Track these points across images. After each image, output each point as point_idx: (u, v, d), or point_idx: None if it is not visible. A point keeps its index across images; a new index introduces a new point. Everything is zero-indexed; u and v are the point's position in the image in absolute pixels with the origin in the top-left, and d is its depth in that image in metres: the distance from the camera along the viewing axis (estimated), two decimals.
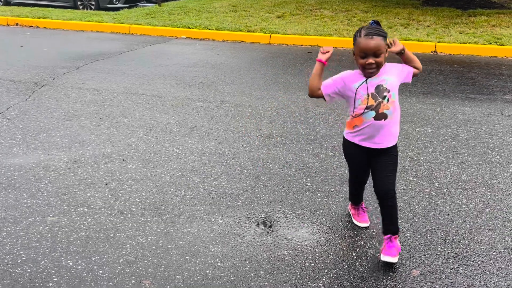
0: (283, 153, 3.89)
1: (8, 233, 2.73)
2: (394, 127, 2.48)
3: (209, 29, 9.03)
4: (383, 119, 2.41)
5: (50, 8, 11.05)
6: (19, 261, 2.49)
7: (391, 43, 2.44)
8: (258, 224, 2.88)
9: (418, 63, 2.53)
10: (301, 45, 8.44)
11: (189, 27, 9.14)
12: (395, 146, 2.53)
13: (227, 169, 3.59)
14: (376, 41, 2.30)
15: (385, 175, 2.49)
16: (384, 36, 2.35)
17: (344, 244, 2.69)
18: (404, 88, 5.39)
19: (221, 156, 3.82)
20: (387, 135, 2.46)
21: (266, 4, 12.02)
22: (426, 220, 2.92)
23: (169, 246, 2.65)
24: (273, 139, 4.17)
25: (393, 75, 2.43)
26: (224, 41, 8.77)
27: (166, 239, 2.72)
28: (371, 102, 2.39)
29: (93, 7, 11.42)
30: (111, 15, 10.21)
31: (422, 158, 3.80)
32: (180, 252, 2.60)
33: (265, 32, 8.74)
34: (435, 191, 3.28)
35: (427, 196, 3.21)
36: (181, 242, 2.69)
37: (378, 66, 2.35)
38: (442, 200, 3.16)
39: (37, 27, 9.68)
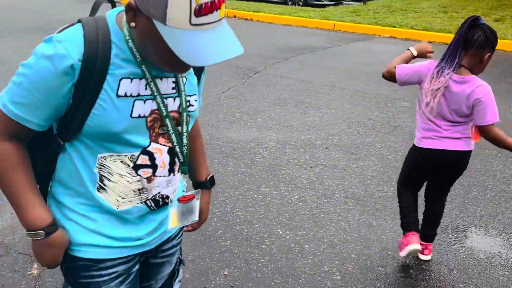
0: (499, 167, 3.55)
1: (229, 195, 3.12)
2: None
3: (416, 29, 8.68)
4: None
5: (264, 3, 12.04)
6: (237, 220, 2.84)
7: None
8: (466, 237, 2.71)
9: None
10: None
11: (394, 26, 8.94)
12: None
13: None
14: None
15: None
16: None
17: None
18: None
19: None
20: None
21: (481, 6, 10.98)
22: None
23: (371, 237, 2.69)
24: (487, 150, 3.83)
25: None
26: (430, 42, 8.33)
27: (369, 230, 2.77)
28: None
29: (301, 3, 12.06)
30: (317, 11, 10.62)
31: None
32: (382, 246, 2.62)
33: None
34: None
35: None
36: (383, 236, 2.71)
37: None
38: None
39: (251, 19, 10.66)
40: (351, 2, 12.87)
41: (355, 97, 5.17)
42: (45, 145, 1.13)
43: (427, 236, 2.48)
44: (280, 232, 2.73)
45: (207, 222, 2.70)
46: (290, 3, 12.25)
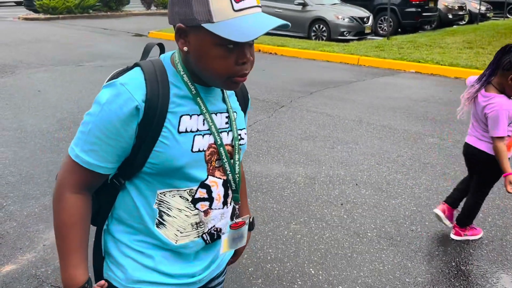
0: None
1: (259, 231, 3.09)
2: None
3: (441, 65, 8.66)
4: None
5: (288, 38, 12.23)
6: (268, 258, 2.79)
7: None
8: (506, 281, 2.60)
9: None
10: None
11: (419, 62, 8.94)
12: None
13: None
14: None
15: None
16: None
17: None
18: None
19: None
20: None
21: (508, 42, 10.92)
22: None
23: (407, 280, 2.61)
24: None
25: None
26: (456, 78, 8.28)
27: (404, 271, 2.68)
28: None
29: (324, 38, 12.21)
30: (341, 46, 10.73)
31: None
32: None
33: None
34: None
35: None
36: (419, 279, 2.62)
37: None
38: None
39: (275, 54, 10.83)
40: (374, 37, 12.97)
41: (382, 133, 5.13)
42: (103, 187, 1.17)
43: (457, 217, 3.04)
44: (313, 272, 2.66)
45: (238, 259, 2.66)
46: (313, 37, 12.41)
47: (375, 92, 7.07)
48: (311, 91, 7.07)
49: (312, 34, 12.47)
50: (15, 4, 24.89)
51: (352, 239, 3.01)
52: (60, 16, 17.38)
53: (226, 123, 1.18)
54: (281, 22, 1.01)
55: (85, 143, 1.06)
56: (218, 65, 1.02)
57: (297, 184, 3.82)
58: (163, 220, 1.14)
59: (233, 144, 1.19)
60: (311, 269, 2.69)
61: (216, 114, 1.16)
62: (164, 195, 1.13)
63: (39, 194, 3.49)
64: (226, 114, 1.18)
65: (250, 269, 2.66)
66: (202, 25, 0.99)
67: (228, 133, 1.18)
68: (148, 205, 1.14)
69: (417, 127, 5.35)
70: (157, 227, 1.14)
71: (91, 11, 18.94)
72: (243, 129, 1.24)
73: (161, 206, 1.13)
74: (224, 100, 1.20)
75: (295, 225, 3.17)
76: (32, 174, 3.83)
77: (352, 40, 11.99)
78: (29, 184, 3.65)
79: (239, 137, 1.21)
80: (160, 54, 1.20)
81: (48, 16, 17.21)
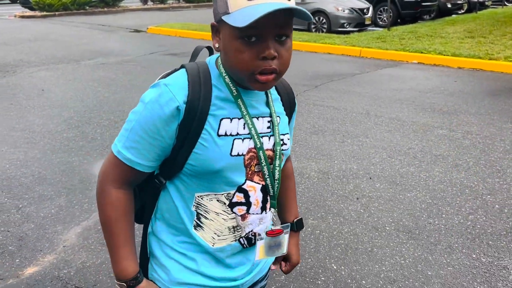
0: None
1: None
2: None
3: (444, 55, 8.65)
4: None
5: None
6: None
7: None
8: None
9: None
10: None
11: (421, 52, 8.92)
12: None
13: (483, 205, 3.36)
14: None
15: None
16: None
17: None
18: None
19: (474, 190, 3.60)
20: None
21: (509, 31, 10.93)
22: None
23: (429, 273, 2.61)
24: None
25: None
26: (460, 68, 8.28)
27: (425, 265, 2.69)
28: None
29: (324, 30, 12.17)
30: (342, 38, 10.69)
31: None
32: (441, 282, 2.54)
33: (510, 61, 7.93)
34: None
35: None
36: (442, 272, 2.63)
37: None
38: None
39: None
40: (375, 28, 12.93)
41: (391, 125, 5.13)
42: (146, 184, 1.18)
43: None
44: (335, 267, 2.67)
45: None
46: (314, 30, 12.37)
47: (380, 84, 7.06)
48: (316, 84, 7.06)
49: (312, 26, 12.42)
50: (10, 1, 24.69)
51: (371, 234, 3.01)
52: (57, 13, 17.26)
53: (268, 127, 1.16)
54: (292, 5, 0.95)
55: (127, 140, 1.07)
56: (238, 59, 1.00)
57: (311, 179, 3.82)
58: (201, 222, 1.14)
59: (274, 149, 1.17)
60: (332, 265, 2.69)
61: (257, 118, 1.14)
62: (201, 198, 1.13)
63: (53, 195, 3.48)
64: (269, 119, 1.16)
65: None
66: (222, 17, 1.00)
67: (269, 138, 1.16)
68: (186, 207, 1.14)
69: (426, 118, 5.34)
70: (195, 229, 1.15)
71: (87, 7, 18.82)
72: (286, 134, 1.21)
73: (198, 209, 1.13)
74: (267, 104, 1.18)
75: (313, 221, 3.17)
76: (44, 175, 3.81)
77: (353, 31, 11.95)
78: (43, 185, 3.63)
79: (281, 142, 1.18)
80: (209, 55, 1.19)
81: (44, 13, 17.09)
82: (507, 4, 19.97)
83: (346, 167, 4.05)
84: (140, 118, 1.06)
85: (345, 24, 12.08)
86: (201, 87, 1.07)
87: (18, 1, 20.08)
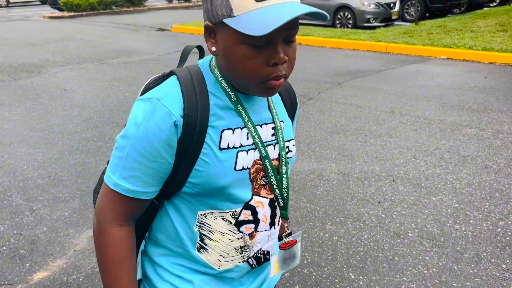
0: None
1: (293, 233, 2.95)
2: None
3: (474, 50, 8.29)
4: None
5: (312, 27, 11.97)
6: (305, 262, 2.67)
7: None
8: None
9: None
10: None
11: (450, 47, 8.59)
12: None
13: None
14: None
15: None
16: None
17: None
18: None
19: (505, 193, 3.38)
20: None
21: None
22: None
23: (454, 284, 2.44)
24: None
25: None
26: (491, 63, 7.92)
27: (450, 275, 2.52)
28: None
29: (350, 25, 11.90)
30: (367, 33, 10.42)
31: None
32: None
33: None
34: None
35: None
36: (468, 283, 2.45)
37: None
38: None
39: (300, 43, 10.60)
40: (402, 23, 12.57)
41: (417, 124, 4.91)
42: None
43: None
44: (352, 277, 2.53)
45: None
46: (339, 25, 12.11)
47: (406, 80, 6.81)
48: (339, 81, 6.87)
49: (337, 22, 12.18)
50: (40, 3, 25.28)
51: (392, 240, 2.85)
52: (84, 13, 17.54)
53: (273, 134, 1.05)
54: (310, 9, 0.85)
55: (124, 169, 0.95)
56: (246, 67, 0.89)
57: (330, 181, 3.68)
58: (205, 244, 1.04)
59: (279, 157, 1.06)
60: (350, 274, 2.55)
61: (261, 125, 1.03)
62: (205, 217, 1.02)
63: (68, 197, 3.46)
64: (272, 125, 1.05)
65: (285, 275, 2.54)
66: (224, 20, 0.88)
67: (274, 146, 1.05)
68: (188, 228, 1.04)
69: (453, 117, 5.10)
70: (198, 251, 1.05)
71: (113, 7, 19.06)
72: (291, 140, 1.10)
73: (202, 229, 1.03)
74: (269, 108, 1.07)
75: (331, 226, 3.03)
76: (60, 176, 3.80)
77: (379, 26, 11.64)
78: (58, 187, 3.61)
79: (286, 149, 1.08)
80: (199, 58, 1.08)
81: (72, 14, 17.39)
82: None
83: (368, 169, 3.88)
84: (134, 142, 0.94)
85: (371, 19, 11.78)
86: (197, 96, 0.96)
87: (47, 2, 20.52)
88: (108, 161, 1.06)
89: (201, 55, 1.10)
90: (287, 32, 0.89)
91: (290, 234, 1.29)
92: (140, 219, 1.08)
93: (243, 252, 1.06)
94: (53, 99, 6.11)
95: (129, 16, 17.39)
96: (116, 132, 4.79)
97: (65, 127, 4.98)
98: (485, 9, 14.80)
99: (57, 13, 18.06)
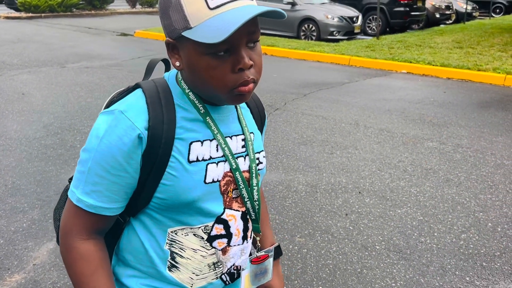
0: None
1: None
2: None
3: (433, 65, 8.61)
4: None
5: (277, 37, 12.09)
6: None
7: None
8: None
9: None
10: None
11: (411, 62, 8.88)
12: None
13: (475, 223, 3.25)
14: None
15: None
16: None
17: None
18: None
19: (466, 206, 3.49)
20: None
21: (497, 42, 10.98)
22: None
23: None
24: None
25: None
26: (449, 78, 8.25)
27: None
28: None
29: (314, 37, 12.09)
30: (331, 46, 10.62)
31: None
32: None
33: (499, 72, 7.92)
34: None
35: None
36: None
37: None
38: None
39: (265, 54, 10.68)
40: (364, 37, 12.91)
41: (381, 136, 5.03)
42: None
43: None
44: None
45: None
46: (303, 37, 12.29)
47: (369, 93, 6.97)
48: (304, 92, 6.95)
49: (302, 34, 12.35)
50: None
51: (360, 253, 2.88)
52: (43, 15, 16.96)
53: (243, 146, 1.04)
54: (265, 8, 0.84)
55: (86, 184, 0.92)
56: (212, 77, 0.88)
57: (298, 193, 3.69)
58: (176, 262, 1.01)
59: (250, 170, 1.05)
60: (320, 287, 2.55)
61: (231, 137, 1.02)
62: (175, 233, 0.99)
63: (26, 207, 3.29)
64: (242, 137, 1.04)
65: None
66: (182, 34, 0.87)
67: (245, 158, 1.04)
68: (158, 246, 1.00)
69: (415, 130, 5.26)
70: (170, 270, 1.01)
71: (74, 9, 18.55)
72: (261, 151, 1.10)
73: (173, 247, 1.00)
74: (239, 120, 1.06)
75: (300, 238, 3.03)
76: (18, 185, 3.61)
77: (342, 40, 11.90)
78: (16, 196, 3.44)
79: (257, 161, 1.07)
80: (165, 71, 1.05)
81: (30, 15, 16.78)
82: (494, 15, 20.20)
83: (335, 180, 3.92)
84: (96, 156, 0.91)
85: (334, 32, 12.03)
86: (163, 108, 0.94)
87: (3, 2, 19.73)
88: (70, 178, 1.02)
89: (167, 68, 1.08)
90: (248, 36, 0.88)
91: (261, 248, 1.27)
92: (107, 238, 1.03)
93: (216, 269, 1.04)
94: (10, 103, 5.85)
95: (90, 19, 16.97)
96: (78, 139, 4.63)
97: (23, 133, 4.76)
98: (442, 26, 15.47)
99: (14, 13, 17.39)
